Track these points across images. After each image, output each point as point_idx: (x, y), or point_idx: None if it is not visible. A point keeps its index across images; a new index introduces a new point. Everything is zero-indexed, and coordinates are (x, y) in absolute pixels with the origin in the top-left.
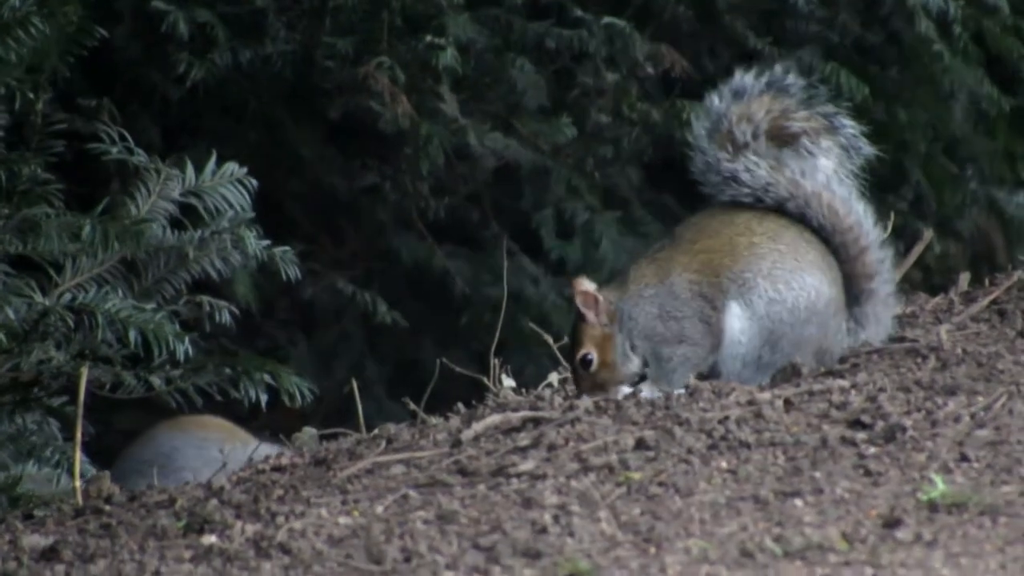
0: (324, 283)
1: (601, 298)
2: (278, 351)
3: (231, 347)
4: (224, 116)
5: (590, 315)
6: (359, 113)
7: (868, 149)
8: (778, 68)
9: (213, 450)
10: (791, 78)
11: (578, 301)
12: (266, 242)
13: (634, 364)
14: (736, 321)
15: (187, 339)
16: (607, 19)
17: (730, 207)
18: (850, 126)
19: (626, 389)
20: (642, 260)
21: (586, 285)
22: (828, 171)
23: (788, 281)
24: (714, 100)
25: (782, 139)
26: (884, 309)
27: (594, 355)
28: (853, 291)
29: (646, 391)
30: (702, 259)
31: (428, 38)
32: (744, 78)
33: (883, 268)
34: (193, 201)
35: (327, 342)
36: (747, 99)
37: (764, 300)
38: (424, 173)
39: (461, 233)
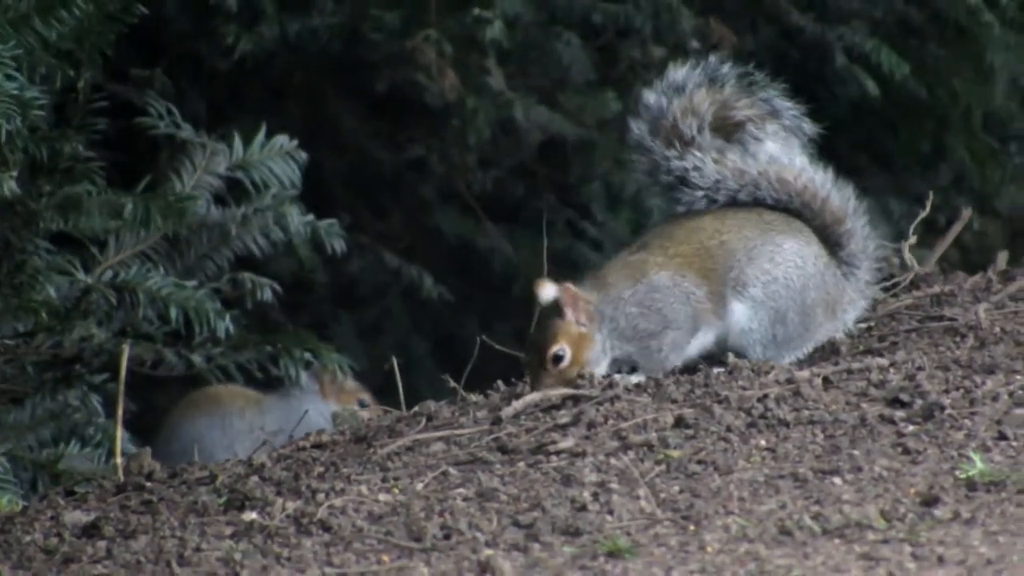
0: (369, 257)
1: (582, 298)
2: (322, 327)
3: (279, 320)
4: (270, 90)
5: (568, 313)
6: (405, 87)
7: (811, 128)
8: (712, 59)
9: (236, 423)
10: (726, 68)
11: (560, 298)
12: (309, 217)
13: (603, 367)
14: (742, 317)
15: (228, 316)
16: None
17: (690, 215)
18: (790, 107)
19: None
20: (615, 264)
21: (566, 286)
22: (776, 153)
23: (772, 259)
24: (651, 97)
25: (726, 129)
26: (867, 242)
27: (567, 353)
28: (832, 239)
29: (635, 378)
30: (678, 263)
31: (476, 11)
32: (679, 72)
33: (850, 206)
34: (240, 175)
35: (371, 318)
36: (688, 93)
37: (758, 285)
38: (470, 146)
39: (507, 207)
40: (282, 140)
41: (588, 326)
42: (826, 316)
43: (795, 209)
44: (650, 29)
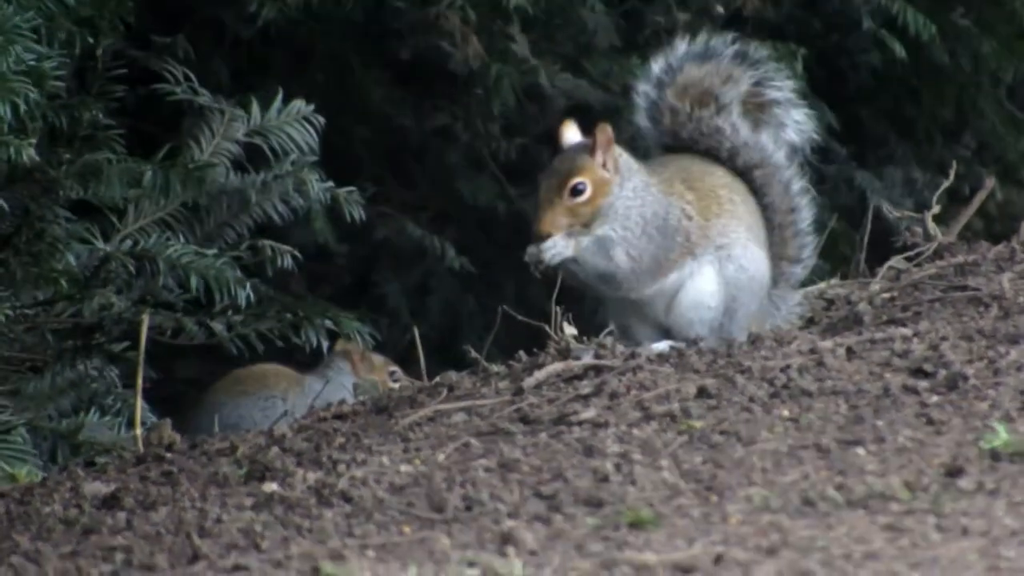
0: (394, 226)
1: (618, 149)
2: (345, 295)
3: (300, 292)
4: (293, 58)
5: (599, 154)
6: (429, 54)
7: (809, 135)
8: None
9: (279, 404)
10: (760, 51)
11: (597, 136)
12: (329, 184)
13: (598, 230)
14: (707, 283)
15: (248, 285)
16: None
17: (704, 158)
18: (804, 117)
19: (562, 243)
20: (651, 163)
21: (604, 125)
22: (795, 143)
23: (754, 253)
24: (684, 57)
25: (755, 105)
26: (792, 294)
27: (588, 189)
28: (773, 273)
29: (662, 345)
30: (691, 196)
31: None
32: (714, 42)
33: (804, 255)
34: (258, 141)
35: (397, 286)
36: (722, 61)
37: (734, 266)
38: (495, 114)
39: (533, 175)
40: (299, 105)
41: (612, 176)
42: (746, 334)
43: (774, 223)
44: None
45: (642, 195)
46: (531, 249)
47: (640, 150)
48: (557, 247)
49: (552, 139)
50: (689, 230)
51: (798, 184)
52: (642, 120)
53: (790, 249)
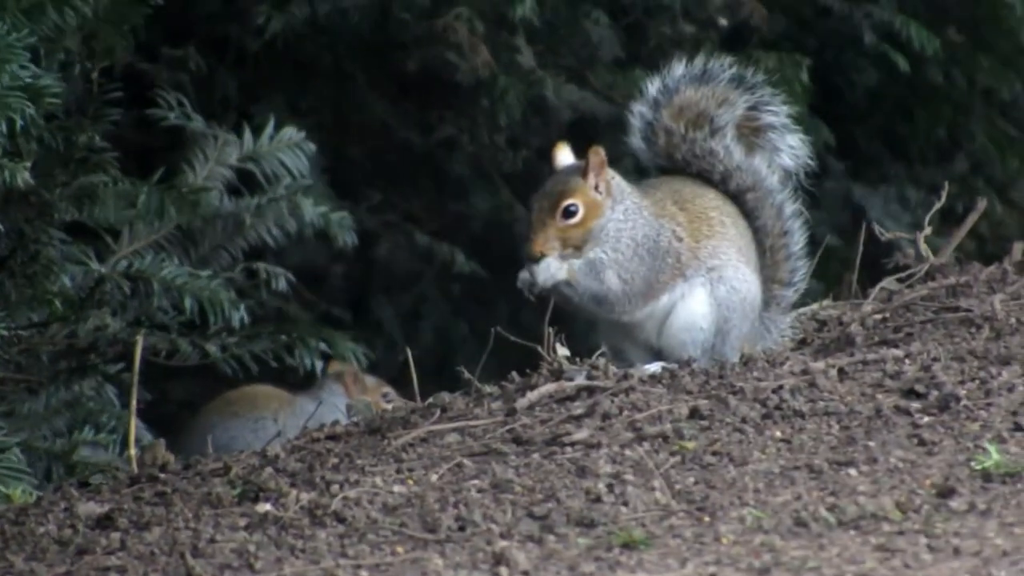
0: (400, 236)
1: (610, 172)
2: (339, 317)
3: (297, 309)
4: (297, 71)
5: (591, 175)
6: (434, 66)
7: (803, 161)
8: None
9: (270, 426)
10: (757, 75)
11: (589, 159)
12: (323, 208)
13: (589, 252)
14: (699, 305)
15: (242, 306)
16: None
17: (696, 180)
18: (799, 142)
19: (555, 265)
20: (643, 184)
21: (597, 148)
22: (790, 168)
23: (745, 274)
24: (682, 79)
25: (750, 129)
26: (783, 317)
27: (580, 210)
28: (764, 295)
29: (654, 366)
30: (682, 218)
31: None
32: (711, 64)
33: (796, 279)
34: (251, 167)
35: (391, 309)
36: (719, 84)
37: (725, 288)
38: (501, 126)
39: (537, 187)
40: (291, 132)
41: (604, 199)
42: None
43: (765, 247)
44: (679, 6)
45: (633, 217)
46: (523, 274)
47: (634, 171)
48: (550, 269)
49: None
50: (680, 252)
51: (790, 208)
52: (636, 141)
53: (781, 272)
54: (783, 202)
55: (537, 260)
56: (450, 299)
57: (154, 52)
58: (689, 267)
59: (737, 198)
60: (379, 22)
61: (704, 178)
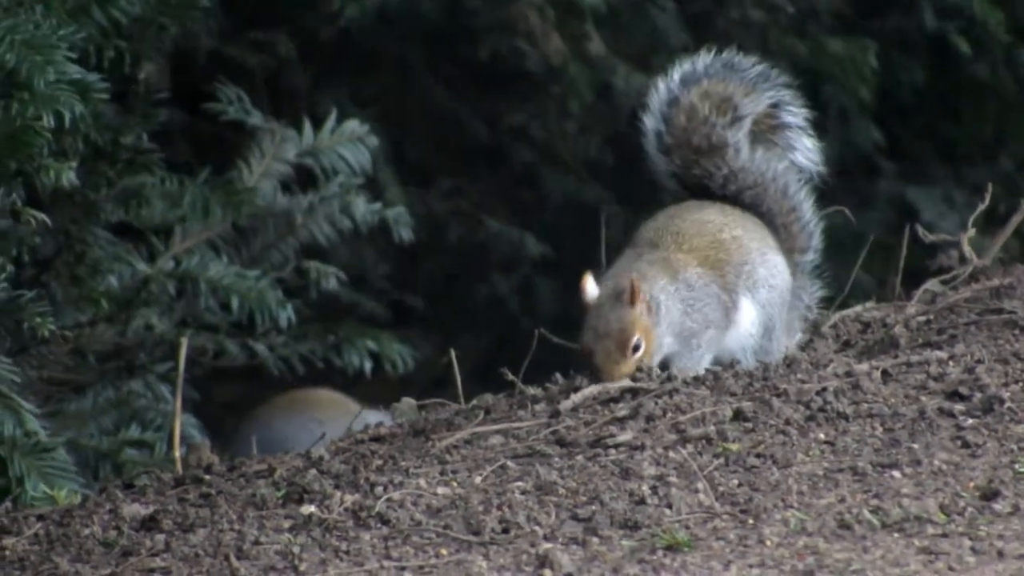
0: (472, 224)
1: (644, 291)
2: (385, 316)
3: (341, 313)
4: (364, 60)
5: (639, 304)
6: (506, 54)
7: (816, 166)
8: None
9: (328, 429)
10: (781, 75)
11: (633, 287)
12: (377, 206)
13: (658, 358)
14: (746, 315)
15: (290, 306)
16: None
17: (691, 207)
18: (814, 146)
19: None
20: (640, 264)
21: (633, 276)
22: (803, 166)
23: (776, 266)
24: (711, 66)
25: (768, 126)
26: (810, 283)
27: (643, 343)
28: (790, 268)
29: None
30: (697, 256)
31: None
32: (738, 57)
33: (813, 242)
34: (309, 162)
35: (478, 298)
36: (747, 75)
37: (765, 289)
38: (572, 112)
39: (607, 173)
40: (353, 125)
41: (652, 320)
42: (787, 336)
43: (776, 225)
44: None
45: (677, 316)
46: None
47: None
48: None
49: (621, 139)
50: (717, 295)
51: (795, 183)
52: (653, 120)
53: (799, 241)
54: (786, 182)
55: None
56: (497, 300)
57: (244, 35)
58: (731, 295)
59: (736, 198)
60: (449, 11)
61: (702, 187)
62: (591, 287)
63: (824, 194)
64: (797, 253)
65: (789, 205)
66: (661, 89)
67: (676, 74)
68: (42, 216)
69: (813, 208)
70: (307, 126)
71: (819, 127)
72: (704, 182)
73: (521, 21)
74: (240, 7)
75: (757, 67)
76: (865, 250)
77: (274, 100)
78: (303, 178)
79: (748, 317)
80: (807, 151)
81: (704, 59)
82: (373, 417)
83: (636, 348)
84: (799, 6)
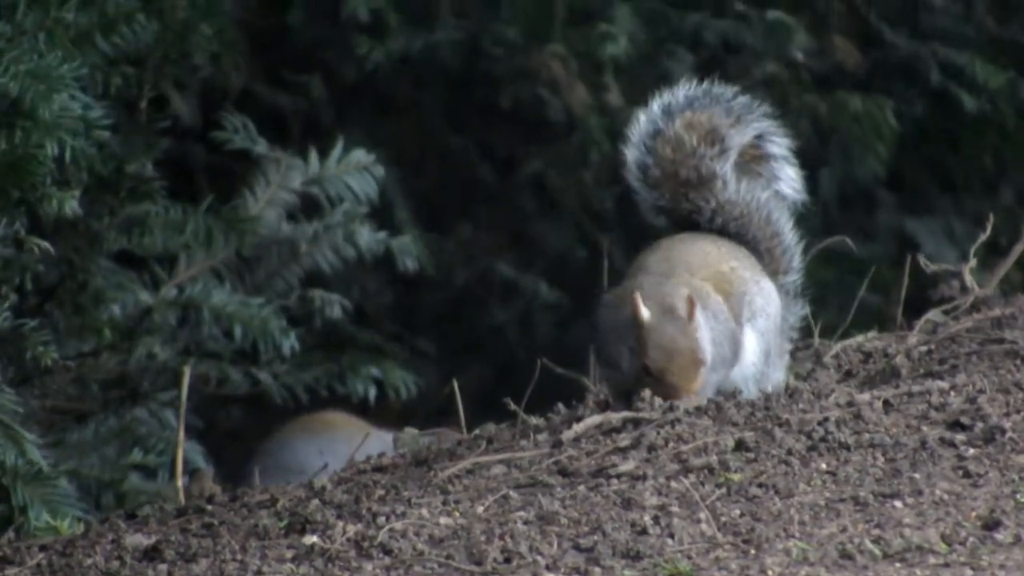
0: (481, 265)
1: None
2: (388, 345)
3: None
4: (381, 104)
5: (696, 321)
6: (523, 102)
7: (800, 195)
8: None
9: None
10: (764, 106)
11: (691, 303)
12: (382, 235)
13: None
14: (750, 346)
15: (293, 335)
16: (772, 13)
17: (687, 239)
18: (798, 175)
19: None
20: (675, 287)
21: (691, 295)
22: (786, 196)
23: (769, 293)
24: (696, 96)
25: (752, 157)
26: (795, 303)
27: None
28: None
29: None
30: (711, 286)
31: (603, 27)
32: (724, 89)
33: (795, 263)
34: (315, 190)
35: (480, 330)
36: (730, 106)
37: (763, 317)
38: (592, 162)
39: (621, 223)
40: (359, 154)
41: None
42: (779, 358)
43: (760, 250)
44: (761, 45)
45: (717, 331)
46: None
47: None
48: (709, 386)
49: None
50: (733, 331)
51: (777, 210)
52: (635, 152)
53: (781, 264)
54: (769, 210)
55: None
56: (498, 330)
57: (275, 75)
58: (739, 327)
59: (722, 229)
60: (469, 58)
61: (690, 221)
62: (644, 309)
63: (825, 225)
64: (780, 275)
65: (772, 231)
66: (643, 121)
67: (657, 105)
68: (45, 244)
69: (793, 230)
70: (313, 155)
71: (821, 160)
72: (693, 216)
73: (543, 70)
74: (265, 47)
75: (740, 97)
76: (866, 281)
77: (303, 138)
78: (308, 207)
79: (751, 348)
80: (791, 181)
81: (685, 89)
82: (389, 439)
83: (703, 363)
84: (823, 65)
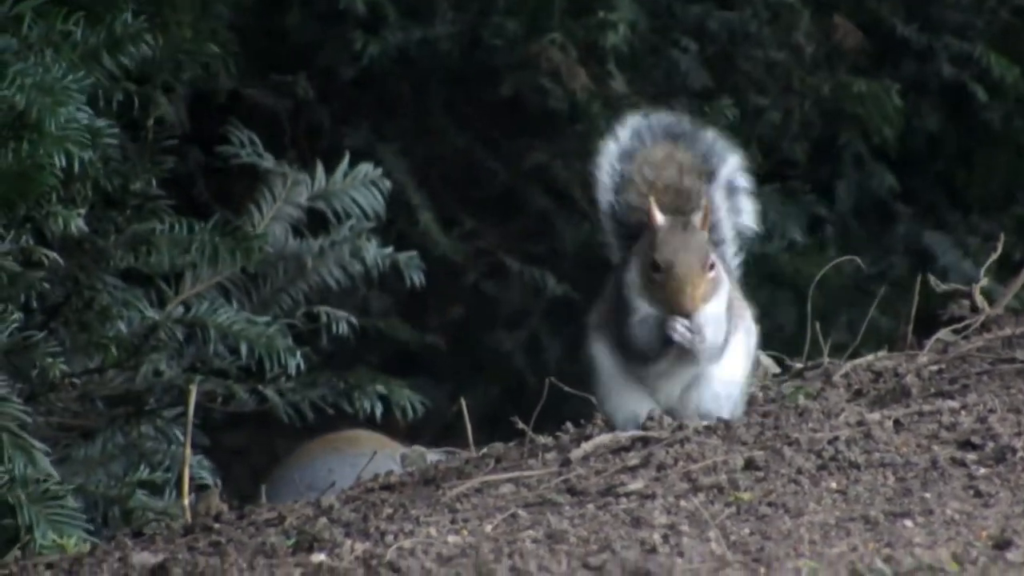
0: (490, 262)
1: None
2: (395, 363)
3: (351, 359)
4: (383, 100)
5: (707, 227)
6: (528, 92)
7: (754, 228)
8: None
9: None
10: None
11: (706, 212)
12: (388, 249)
13: (714, 305)
14: (733, 356)
15: (299, 352)
16: None
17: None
18: (754, 207)
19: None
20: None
21: (705, 201)
22: (745, 228)
23: (749, 312)
24: (695, 130)
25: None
26: (743, 308)
27: (718, 263)
28: None
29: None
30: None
31: (601, 14)
32: (706, 130)
33: (736, 263)
34: (321, 205)
35: (448, 356)
36: (706, 140)
37: (750, 334)
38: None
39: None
40: (366, 168)
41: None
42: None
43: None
44: (767, 34)
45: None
46: (680, 330)
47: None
48: (709, 325)
49: None
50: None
51: (731, 254)
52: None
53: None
54: (726, 252)
55: (690, 315)
56: (502, 353)
57: (264, 77)
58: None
59: None
60: (468, 50)
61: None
62: (659, 216)
63: (843, 238)
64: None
65: (727, 267)
66: (619, 139)
67: (624, 131)
68: (53, 255)
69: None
70: (320, 169)
71: (835, 173)
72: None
73: (544, 59)
74: (260, 48)
75: (710, 131)
76: (876, 301)
77: (296, 141)
78: (315, 222)
79: (734, 356)
80: (749, 214)
81: (651, 120)
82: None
83: (712, 267)
84: (822, 47)
